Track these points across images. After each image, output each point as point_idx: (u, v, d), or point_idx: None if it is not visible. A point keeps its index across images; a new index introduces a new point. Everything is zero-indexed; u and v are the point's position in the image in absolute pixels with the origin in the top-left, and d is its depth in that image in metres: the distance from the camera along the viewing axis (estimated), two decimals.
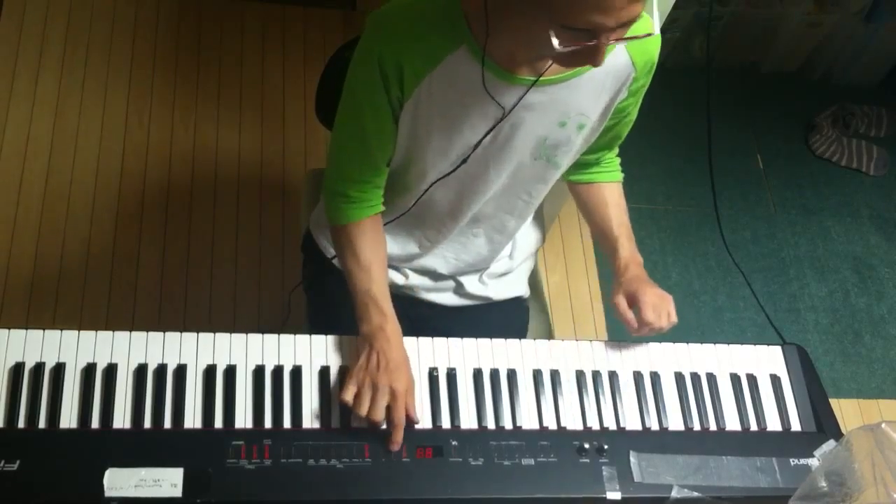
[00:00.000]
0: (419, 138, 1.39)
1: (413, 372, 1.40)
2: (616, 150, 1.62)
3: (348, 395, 1.33)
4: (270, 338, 1.40)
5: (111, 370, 1.32)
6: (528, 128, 1.38)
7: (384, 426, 1.33)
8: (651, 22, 1.21)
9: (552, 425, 1.40)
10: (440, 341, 1.45)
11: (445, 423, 1.37)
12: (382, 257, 1.47)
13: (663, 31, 1.51)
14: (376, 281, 1.43)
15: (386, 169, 1.46)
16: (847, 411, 2.52)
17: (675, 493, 1.34)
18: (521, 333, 1.72)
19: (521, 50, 1.29)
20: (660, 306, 1.47)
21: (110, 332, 1.35)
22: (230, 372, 1.35)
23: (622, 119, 1.49)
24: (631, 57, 1.35)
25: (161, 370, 1.33)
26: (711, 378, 1.50)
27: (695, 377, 1.49)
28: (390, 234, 1.59)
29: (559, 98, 1.35)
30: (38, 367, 1.31)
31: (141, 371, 1.33)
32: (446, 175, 1.44)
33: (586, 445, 1.36)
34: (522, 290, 1.74)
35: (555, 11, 1.10)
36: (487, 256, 1.65)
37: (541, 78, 1.31)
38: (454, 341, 1.45)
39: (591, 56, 1.16)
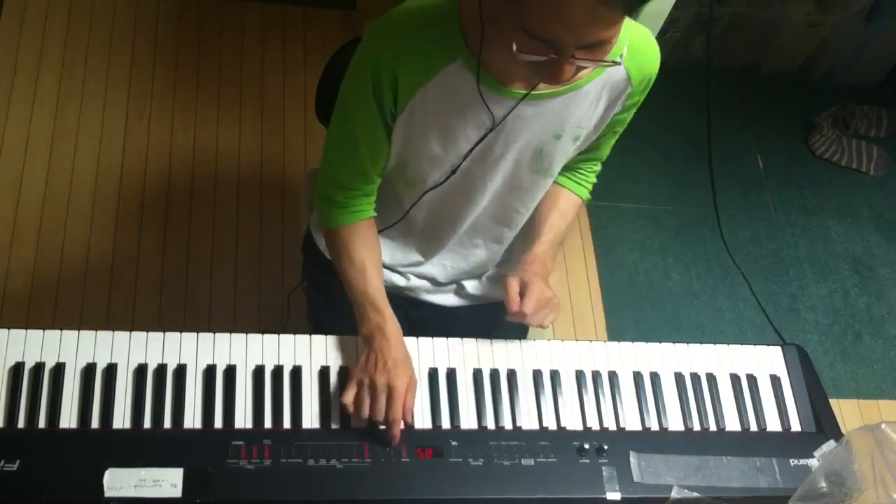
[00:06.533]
0: (414, 148, 1.39)
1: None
2: (594, 168, 1.59)
3: (348, 398, 1.33)
4: (270, 338, 1.40)
5: (111, 370, 1.32)
6: (524, 140, 1.38)
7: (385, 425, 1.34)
8: (624, 51, 1.21)
9: (552, 425, 1.40)
10: (440, 341, 1.45)
11: (445, 423, 1.37)
12: (377, 259, 1.46)
13: (663, 31, 1.52)
14: (371, 282, 1.42)
15: (377, 179, 1.45)
16: (847, 411, 2.52)
17: (674, 494, 1.34)
18: (521, 333, 1.72)
19: (513, 64, 1.29)
20: (544, 305, 1.43)
21: (110, 332, 1.35)
22: (230, 372, 1.35)
23: (610, 131, 1.48)
24: (628, 71, 1.35)
25: (161, 370, 1.33)
26: (711, 378, 1.50)
27: (695, 377, 1.49)
28: (391, 243, 1.60)
29: (555, 111, 1.35)
30: (38, 367, 1.31)
31: (141, 371, 1.33)
32: (439, 185, 1.44)
33: (586, 445, 1.36)
34: None
35: (523, 11, 1.09)
36: (485, 264, 1.65)
37: (535, 92, 1.31)
38: (454, 341, 1.45)
39: (550, 72, 1.15)
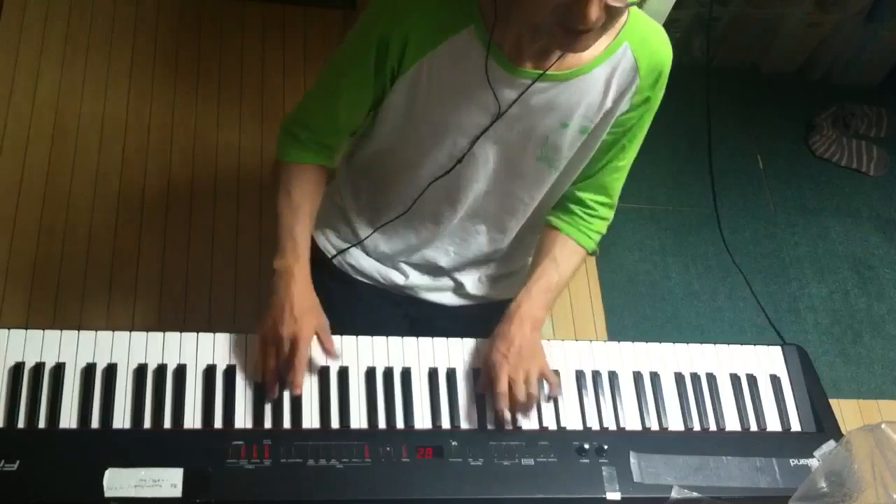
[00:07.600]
0: (415, 115, 1.39)
1: (413, 372, 1.40)
2: (605, 213, 1.55)
3: (257, 363, 1.35)
4: None
5: (111, 370, 1.32)
6: (528, 125, 1.38)
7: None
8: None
9: (552, 425, 1.40)
10: (440, 341, 1.45)
11: (445, 423, 1.37)
12: (313, 206, 1.49)
13: None
14: (302, 223, 1.45)
15: (343, 137, 1.47)
16: (847, 411, 2.52)
17: (674, 494, 1.34)
18: None
19: (527, 39, 1.28)
20: (514, 388, 1.38)
21: (110, 332, 1.35)
22: (230, 372, 1.35)
23: (618, 140, 1.46)
24: (635, 58, 1.34)
25: (161, 370, 1.33)
26: (711, 378, 1.50)
27: (695, 377, 1.49)
28: (390, 230, 1.59)
29: (562, 97, 1.35)
30: (38, 367, 1.31)
31: (141, 371, 1.33)
32: (444, 175, 1.44)
33: (586, 445, 1.36)
34: None
35: None
36: (488, 254, 1.65)
37: (545, 73, 1.31)
38: (454, 341, 1.45)
39: (577, 13, 1.12)
